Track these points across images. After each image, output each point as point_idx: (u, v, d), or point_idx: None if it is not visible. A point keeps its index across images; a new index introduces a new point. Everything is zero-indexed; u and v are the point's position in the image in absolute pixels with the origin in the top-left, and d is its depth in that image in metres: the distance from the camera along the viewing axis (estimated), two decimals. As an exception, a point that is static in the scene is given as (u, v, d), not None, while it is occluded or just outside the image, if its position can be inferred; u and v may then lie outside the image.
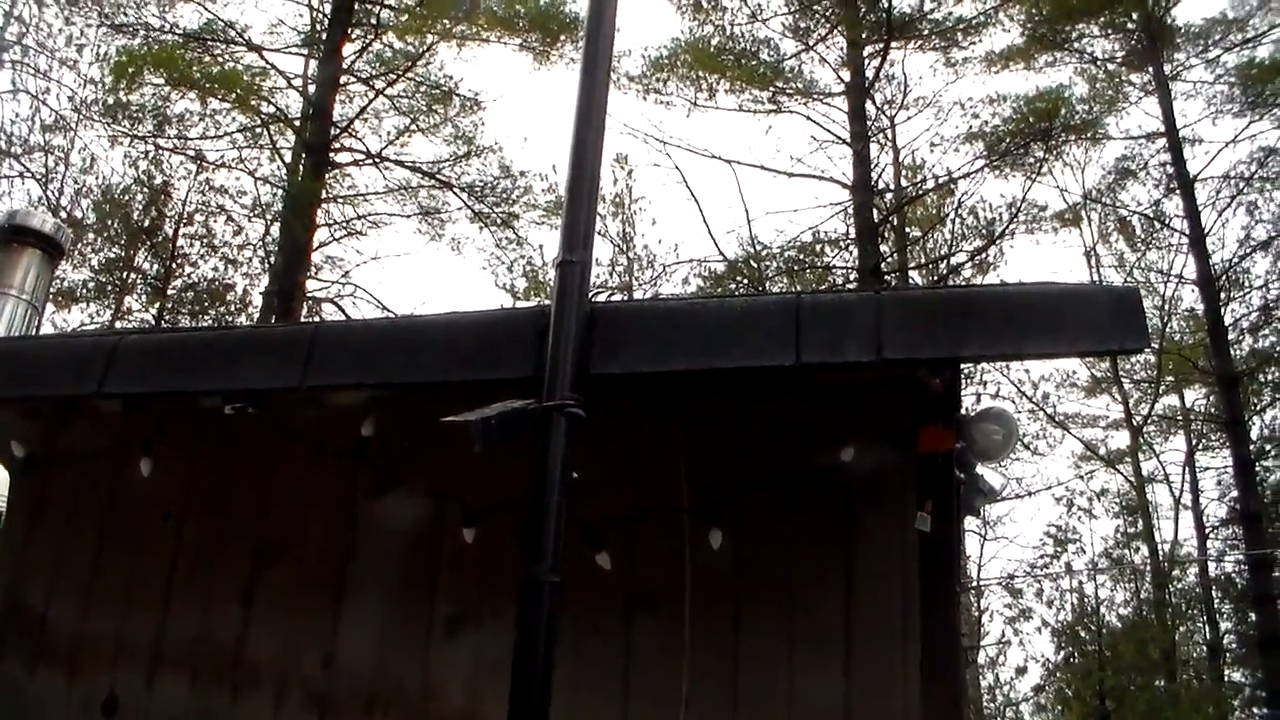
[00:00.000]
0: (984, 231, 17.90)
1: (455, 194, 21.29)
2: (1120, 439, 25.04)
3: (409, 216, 21.80)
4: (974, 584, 23.03)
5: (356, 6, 20.30)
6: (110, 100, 19.68)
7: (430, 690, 4.03)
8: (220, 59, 20.09)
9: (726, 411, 4.07)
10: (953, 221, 18.52)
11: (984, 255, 17.97)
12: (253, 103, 19.11)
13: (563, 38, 20.26)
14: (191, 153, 20.75)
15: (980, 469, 4.75)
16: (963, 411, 5.02)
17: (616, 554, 3.96)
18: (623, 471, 4.11)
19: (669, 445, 4.02)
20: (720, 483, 3.92)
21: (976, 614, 22.87)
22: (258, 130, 20.14)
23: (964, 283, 15.79)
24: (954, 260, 18.17)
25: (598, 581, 3.96)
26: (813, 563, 3.87)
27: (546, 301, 3.46)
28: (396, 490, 4.26)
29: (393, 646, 4.13)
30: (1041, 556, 22.92)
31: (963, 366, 4.91)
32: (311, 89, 20.69)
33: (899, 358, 3.12)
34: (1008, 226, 17.78)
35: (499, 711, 3.85)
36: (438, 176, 21.36)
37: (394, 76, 20.74)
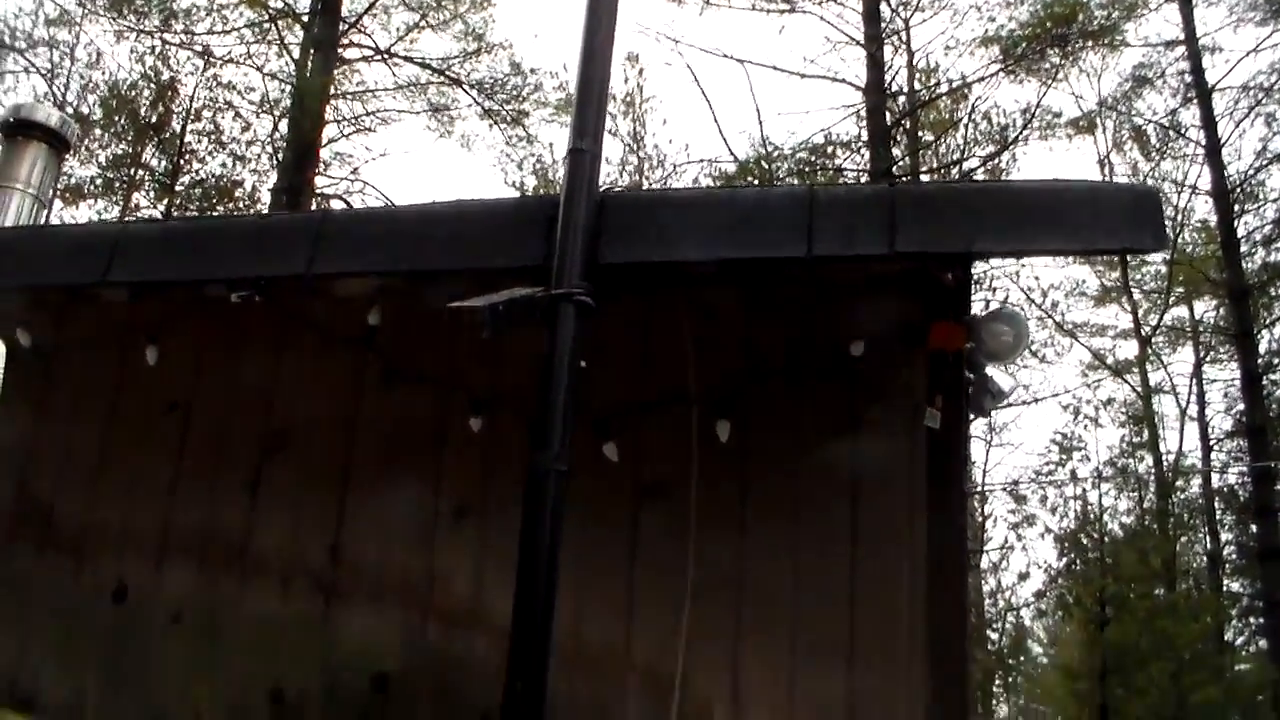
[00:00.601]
0: (997, 137, 17.61)
1: (465, 90, 21.00)
2: (1128, 349, 24.94)
3: (418, 113, 21.50)
4: (979, 489, 23.14)
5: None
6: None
7: (436, 580, 4.05)
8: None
9: (737, 304, 4.02)
10: (966, 126, 18.24)
11: (997, 161, 17.69)
12: (262, -2, 18.83)
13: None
14: (199, 48, 20.48)
15: (990, 370, 4.72)
16: (973, 313, 5.00)
17: (625, 444, 3.95)
18: (632, 362, 4.09)
19: (678, 337, 3.99)
20: (729, 375, 3.90)
21: (980, 519, 23.01)
22: (265, 25, 19.87)
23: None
24: (966, 165, 17.91)
25: (606, 471, 3.95)
26: (821, 457, 3.86)
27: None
28: (403, 380, 4.23)
29: (399, 536, 4.14)
30: (1046, 464, 22.95)
31: (973, 271, 4.86)
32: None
33: (911, 250, 3.07)
34: (1021, 132, 17.50)
35: (504, 601, 3.88)
36: (447, 73, 21.04)
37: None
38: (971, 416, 4.99)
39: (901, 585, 3.66)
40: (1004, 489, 22.85)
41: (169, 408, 4.59)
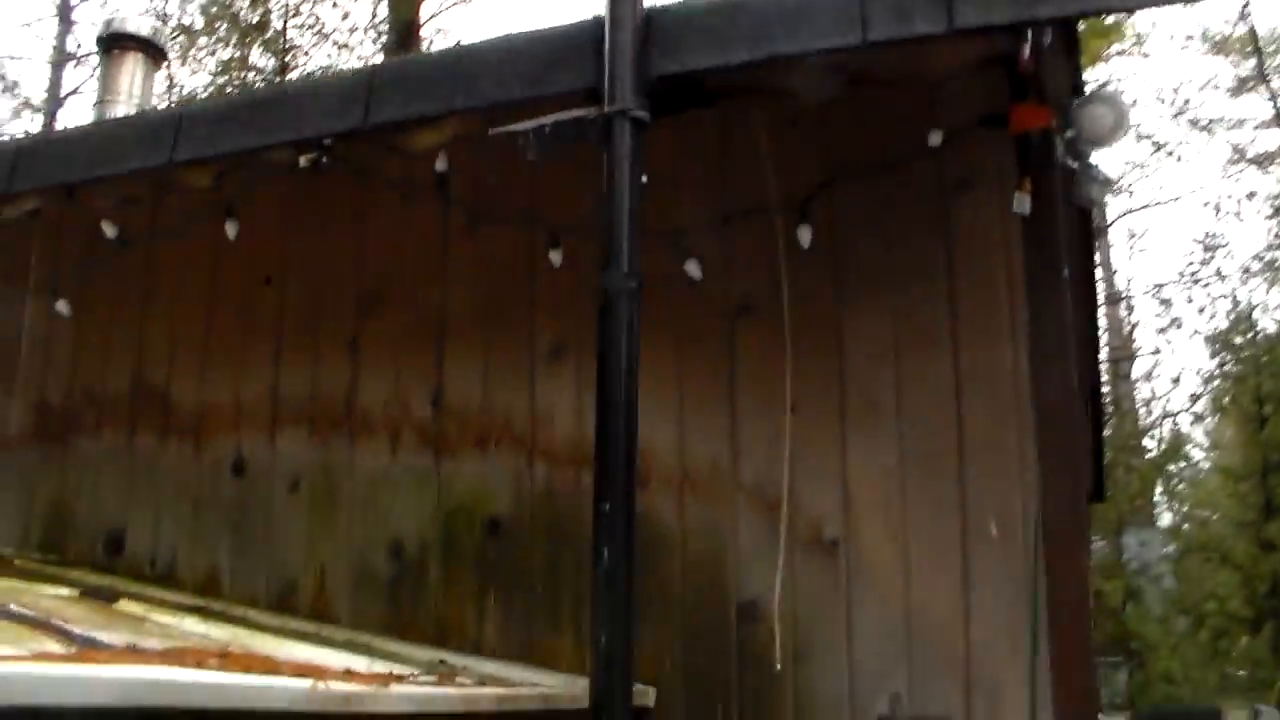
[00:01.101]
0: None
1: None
2: (1269, 139, 23.77)
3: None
4: (1123, 295, 22.48)
5: None
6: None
7: (538, 419, 4.07)
8: None
9: (817, 110, 3.88)
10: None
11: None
12: None
13: None
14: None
15: (1094, 157, 4.50)
16: (1074, 98, 4.76)
17: (712, 262, 3.88)
18: (711, 179, 4.00)
19: (754, 147, 3.88)
20: (810, 180, 3.78)
21: (1127, 328, 22.41)
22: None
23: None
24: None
25: (697, 290, 3.89)
26: (913, 257, 3.74)
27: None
28: (484, 223, 4.20)
29: (498, 380, 4.16)
30: (1190, 265, 22.12)
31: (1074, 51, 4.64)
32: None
33: (971, 25, 2.89)
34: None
35: (606, 435, 3.90)
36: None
37: None
38: (1080, 205, 4.80)
39: (1005, 384, 3.55)
40: (1149, 294, 22.10)
41: (265, 281, 4.66)
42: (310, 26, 20.57)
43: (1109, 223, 21.53)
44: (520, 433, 4.08)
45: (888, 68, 3.72)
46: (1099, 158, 4.55)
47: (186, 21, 21.01)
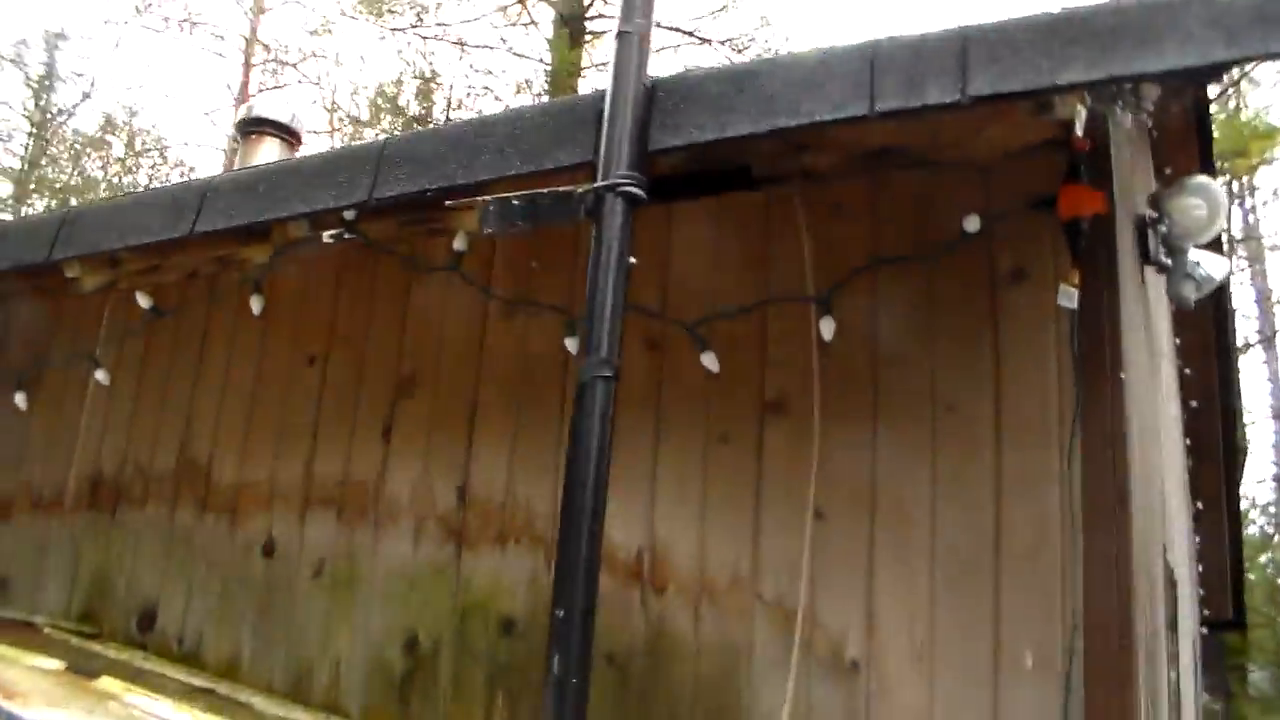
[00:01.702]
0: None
1: (714, 48, 20.79)
2: None
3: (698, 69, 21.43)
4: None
5: None
6: (370, -2, 20.20)
7: (558, 518, 3.82)
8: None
9: (863, 196, 3.64)
10: None
11: None
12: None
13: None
14: (453, 39, 21.06)
15: (1191, 251, 4.12)
16: (1163, 186, 4.40)
17: (747, 354, 3.63)
18: (750, 265, 3.76)
19: (796, 235, 3.63)
20: (849, 270, 3.51)
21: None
22: (510, 8, 20.23)
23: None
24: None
25: (729, 385, 3.65)
26: (957, 351, 3.42)
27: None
28: (522, 311, 4.04)
29: (522, 473, 3.95)
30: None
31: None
32: (563, -40, 20.58)
33: (987, 94, 2.60)
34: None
35: (626, 537, 3.66)
36: (696, 34, 20.88)
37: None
38: (1173, 305, 4.41)
39: (1051, 492, 3.19)
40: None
41: (309, 361, 4.58)
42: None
43: (1271, 333, 20.42)
44: (540, 531, 3.86)
45: (939, 150, 3.46)
46: (1201, 254, 4.19)
47: (355, 113, 21.78)
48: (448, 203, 2.97)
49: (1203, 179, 4.11)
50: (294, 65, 24.04)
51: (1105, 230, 3.25)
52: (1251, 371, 21.41)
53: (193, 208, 3.76)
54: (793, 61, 2.90)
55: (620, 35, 3.04)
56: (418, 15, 20.85)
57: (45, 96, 27.64)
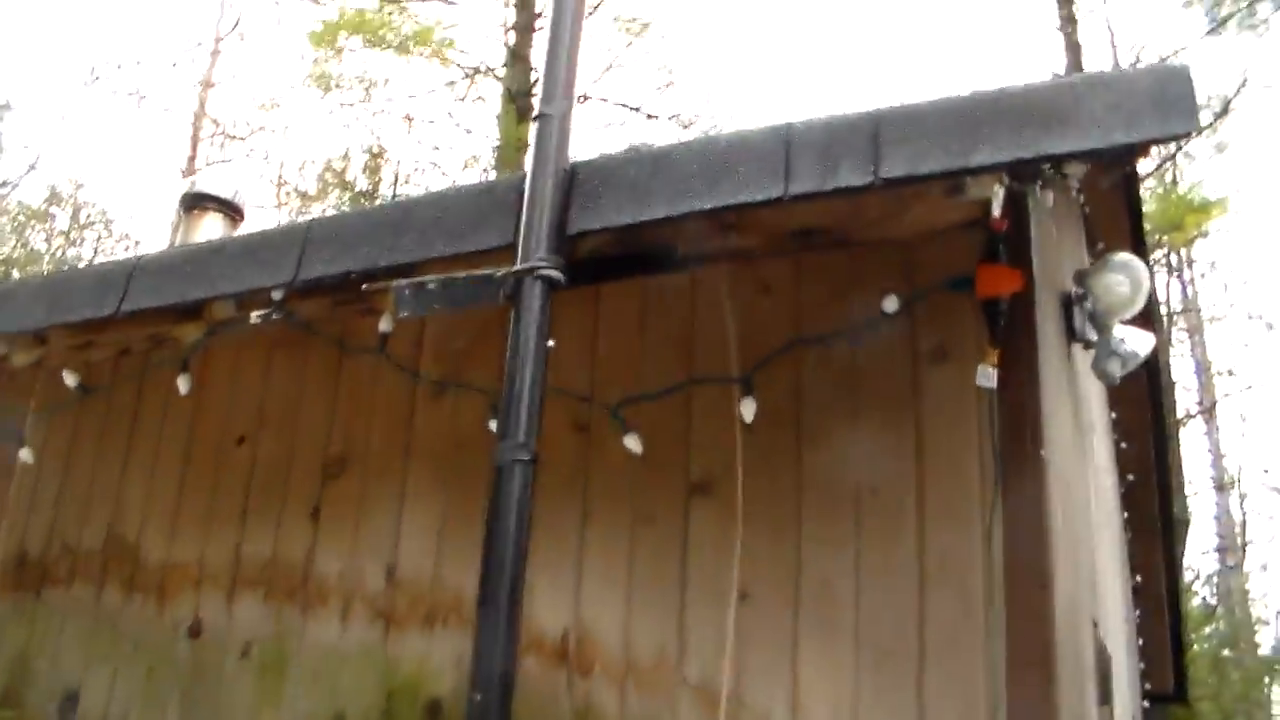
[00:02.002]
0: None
1: (662, 123, 21.01)
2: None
3: (619, 150, 21.57)
4: (1232, 481, 21.32)
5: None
6: (318, 72, 20.29)
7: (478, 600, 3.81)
8: (415, 17, 20.37)
9: (780, 272, 3.68)
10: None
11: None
12: (448, 56, 19.35)
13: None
14: (402, 114, 21.18)
15: (1117, 329, 4.18)
16: (1088, 263, 4.47)
17: (672, 436, 3.64)
18: (676, 347, 3.77)
19: (720, 315, 3.66)
20: (771, 350, 3.53)
21: (1240, 516, 21.22)
22: (459, 84, 20.39)
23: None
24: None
25: (655, 467, 3.65)
26: (880, 433, 3.44)
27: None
28: (450, 391, 4.04)
29: (451, 555, 3.93)
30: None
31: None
32: (510, 36, 20.79)
33: (899, 175, 2.66)
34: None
35: (554, 618, 3.64)
36: (642, 110, 21.11)
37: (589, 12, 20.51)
38: (1102, 381, 4.46)
39: (975, 575, 3.20)
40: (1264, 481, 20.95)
41: (239, 440, 4.55)
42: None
43: (1211, 404, 20.68)
44: (468, 612, 3.80)
45: (861, 230, 3.51)
46: (1127, 330, 4.25)
47: (303, 188, 21.82)
48: (364, 286, 2.98)
49: (1125, 256, 4.18)
50: (242, 139, 24.07)
51: (1024, 309, 3.30)
52: (1192, 443, 21.66)
53: (119, 287, 3.75)
54: (708, 143, 2.95)
55: (540, 117, 3.08)
56: (366, 90, 20.95)
57: (-11, 168, 27.53)
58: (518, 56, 20.14)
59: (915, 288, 3.44)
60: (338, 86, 20.74)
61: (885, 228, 3.49)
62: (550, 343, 2.86)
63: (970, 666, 3.12)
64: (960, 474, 3.29)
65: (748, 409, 3.36)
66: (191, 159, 24.67)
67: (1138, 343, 4.31)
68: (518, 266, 2.88)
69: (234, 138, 24.72)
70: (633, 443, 3.50)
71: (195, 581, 4.42)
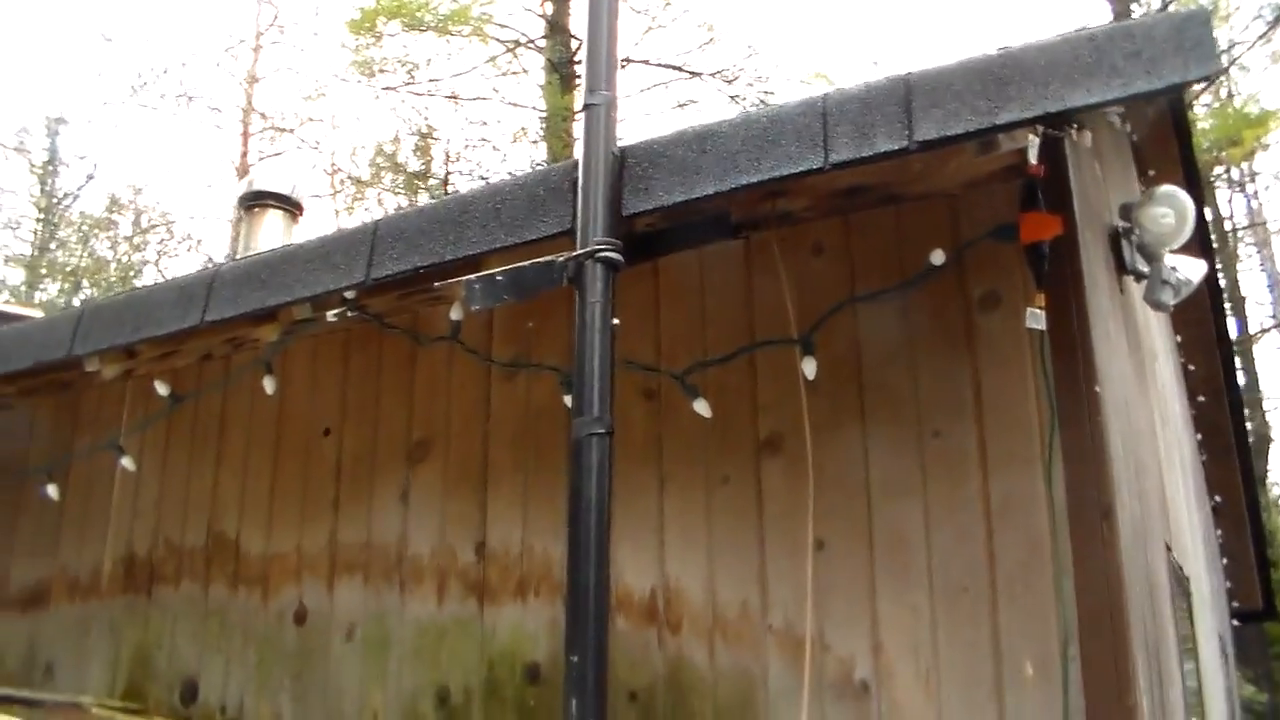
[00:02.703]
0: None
1: (704, 81, 21.04)
2: None
3: (666, 112, 21.66)
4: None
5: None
6: (359, 59, 20.55)
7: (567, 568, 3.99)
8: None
9: (831, 232, 3.80)
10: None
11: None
12: (487, 32, 19.51)
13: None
14: (447, 93, 21.40)
15: (1168, 259, 4.26)
16: (1130, 199, 4.54)
17: (739, 398, 3.79)
18: (735, 313, 3.91)
19: (773, 276, 3.79)
20: (827, 309, 3.66)
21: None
22: (500, 58, 20.55)
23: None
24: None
25: (726, 429, 3.80)
26: (938, 382, 3.56)
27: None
28: (522, 372, 4.22)
29: (535, 526, 4.11)
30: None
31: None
32: (548, 6, 20.88)
33: (932, 138, 2.77)
34: None
35: (639, 579, 3.81)
36: (685, 68, 21.14)
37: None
38: (1154, 309, 4.54)
39: (1038, 504, 3.33)
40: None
41: (325, 433, 4.75)
42: (471, 171, 21.40)
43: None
44: (558, 579, 4.00)
45: (906, 185, 3.62)
46: (1178, 258, 4.33)
47: (356, 174, 22.13)
48: (435, 284, 3.14)
49: (1168, 188, 4.26)
50: (291, 131, 24.47)
51: (1069, 251, 3.40)
52: (1268, 357, 21.37)
53: (201, 299, 3.94)
54: (749, 120, 3.06)
55: (588, 108, 3.21)
56: (409, 73, 21.18)
57: (50, 181, 28.17)
58: (556, 27, 20.27)
59: (962, 238, 3.54)
60: (381, 71, 20.99)
61: (929, 181, 3.59)
62: (615, 320, 3.00)
63: (1041, 600, 3.25)
64: (1018, 415, 3.41)
65: (809, 367, 3.49)
66: (244, 155, 25.13)
67: (1189, 270, 4.39)
68: (578, 251, 3.03)
69: (283, 130, 25.12)
70: (702, 408, 3.65)
71: (295, 570, 4.64)
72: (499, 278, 3.02)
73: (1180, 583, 4.98)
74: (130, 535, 5.24)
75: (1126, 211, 4.32)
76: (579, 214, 3.10)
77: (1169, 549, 4.58)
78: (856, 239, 3.77)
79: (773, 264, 3.83)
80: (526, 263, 3.08)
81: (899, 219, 3.70)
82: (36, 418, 5.77)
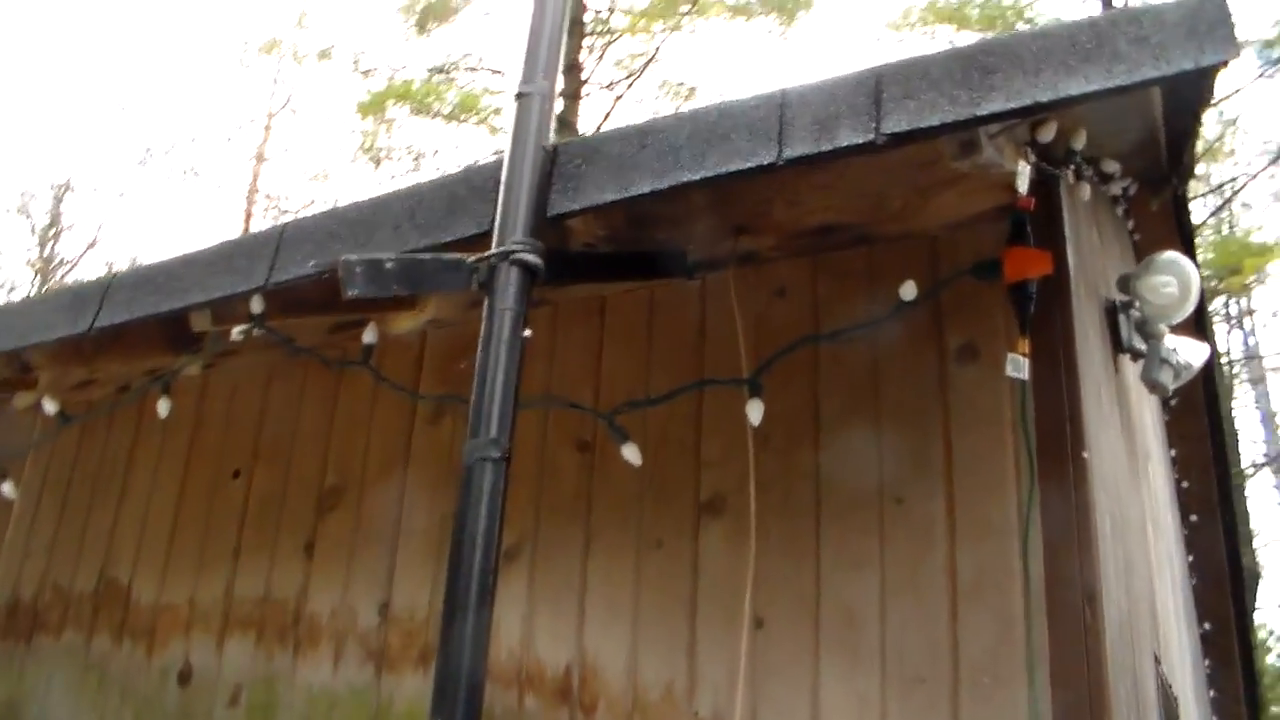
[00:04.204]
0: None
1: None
2: None
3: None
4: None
5: (588, 17, 20.23)
6: (367, 143, 20.45)
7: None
8: (462, 86, 20.46)
9: (796, 274, 3.40)
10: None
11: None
12: (496, 125, 19.38)
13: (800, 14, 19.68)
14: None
15: (1168, 338, 3.86)
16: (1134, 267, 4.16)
17: (682, 450, 3.36)
18: (685, 356, 3.50)
19: (728, 319, 3.38)
20: (786, 353, 3.24)
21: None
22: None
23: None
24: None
25: (659, 488, 3.37)
26: (904, 439, 3.13)
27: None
28: (449, 411, 3.79)
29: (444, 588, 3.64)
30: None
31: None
32: (559, 104, 20.79)
33: (903, 130, 2.37)
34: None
35: (555, 652, 3.34)
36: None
37: (631, 80, 20.49)
38: (1151, 392, 4.12)
39: (1013, 591, 2.87)
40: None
41: (234, 474, 4.31)
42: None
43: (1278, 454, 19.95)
44: (464, 644, 3.52)
45: (882, 224, 3.24)
46: (1179, 340, 3.94)
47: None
48: (311, 264, 2.74)
49: (1171, 254, 3.87)
50: (294, 211, 24.30)
51: (1059, 296, 3.00)
52: (1261, 493, 21.00)
53: (94, 303, 3.54)
54: (698, 114, 2.68)
55: (520, 97, 2.83)
56: (415, 160, 21.07)
57: (50, 246, 27.92)
58: (565, 124, 20.12)
59: (937, 275, 3.15)
60: (387, 158, 20.86)
61: (908, 220, 3.21)
62: (527, 332, 2.58)
63: (1010, 694, 2.78)
64: (993, 480, 2.97)
65: (754, 412, 3.05)
66: (245, 230, 24.92)
67: (1191, 352, 3.98)
68: (491, 250, 2.62)
69: (286, 211, 24.94)
70: (631, 453, 3.21)
71: (185, 624, 4.17)
72: (388, 264, 2.59)
73: (1168, 703, 4.46)
74: (18, 577, 4.78)
75: (1124, 283, 3.93)
76: (498, 212, 2.70)
77: (1158, 661, 4.09)
78: (824, 281, 3.38)
79: (729, 307, 3.42)
80: (426, 255, 2.67)
81: (871, 259, 3.31)
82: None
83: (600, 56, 20.81)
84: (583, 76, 20.17)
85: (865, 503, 3.10)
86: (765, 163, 2.48)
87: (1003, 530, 2.92)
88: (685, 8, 19.78)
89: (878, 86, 2.45)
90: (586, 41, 20.47)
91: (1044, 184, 3.00)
